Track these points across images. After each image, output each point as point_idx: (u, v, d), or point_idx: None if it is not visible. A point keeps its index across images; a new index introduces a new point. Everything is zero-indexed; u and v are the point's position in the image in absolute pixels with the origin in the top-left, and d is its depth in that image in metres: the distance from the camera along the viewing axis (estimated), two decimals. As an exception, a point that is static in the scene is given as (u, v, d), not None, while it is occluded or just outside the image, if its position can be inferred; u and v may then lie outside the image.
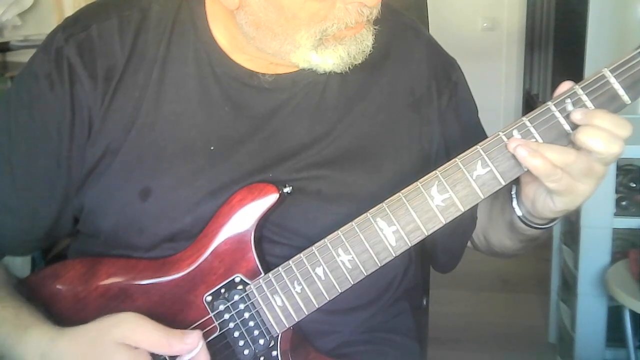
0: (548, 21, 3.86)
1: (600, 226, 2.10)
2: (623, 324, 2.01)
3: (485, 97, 3.97)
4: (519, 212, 0.87)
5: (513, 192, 0.87)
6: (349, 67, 0.84)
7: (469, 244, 1.05)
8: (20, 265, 0.98)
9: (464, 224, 0.99)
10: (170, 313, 0.85)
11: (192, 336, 0.79)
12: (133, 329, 0.79)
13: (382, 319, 0.98)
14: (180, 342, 0.79)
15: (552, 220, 0.87)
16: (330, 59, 0.82)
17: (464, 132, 0.97)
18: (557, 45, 3.69)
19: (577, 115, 0.74)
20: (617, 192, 2.14)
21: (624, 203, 2.16)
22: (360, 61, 0.84)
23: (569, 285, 2.35)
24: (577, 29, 2.64)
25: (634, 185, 2.21)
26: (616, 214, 2.11)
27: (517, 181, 0.84)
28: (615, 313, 2.10)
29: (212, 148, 0.88)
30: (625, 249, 2.13)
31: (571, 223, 2.25)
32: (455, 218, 0.80)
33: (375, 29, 0.84)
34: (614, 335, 2.14)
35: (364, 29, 0.82)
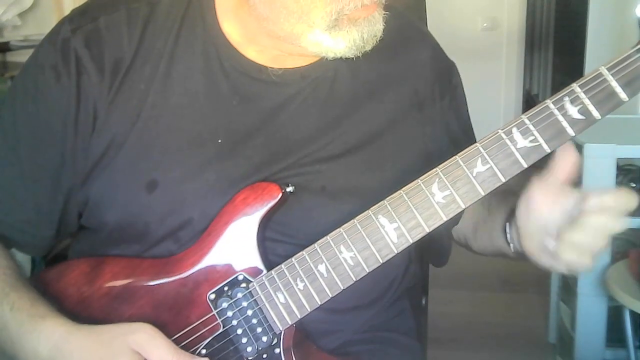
0: (548, 21, 3.86)
1: (601, 226, 2.10)
2: (623, 324, 2.01)
3: (485, 97, 4.00)
4: (512, 249, 0.88)
5: (508, 230, 0.88)
6: (360, 53, 0.83)
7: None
8: (20, 265, 0.98)
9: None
10: (174, 311, 0.86)
11: None
12: (148, 340, 0.80)
13: (384, 318, 0.99)
14: None
15: None
16: (343, 42, 0.82)
17: (464, 135, 0.98)
18: (557, 45, 3.69)
19: (593, 202, 0.75)
20: (617, 192, 2.14)
21: (624, 203, 2.15)
22: (370, 47, 0.84)
23: (569, 285, 2.35)
24: (577, 29, 2.64)
25: (634, 185, 2.21)
26: (616, 214, 2.11)
27: (512, 218, 0.86)
28: (615, 313, 2.10)
29: (219, 141, 0.88)
30: (625, 249, 2.13)
31: (571, 223, 2.24)
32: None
33: (385, 14, 0.84)
34: (614, 335, 2.14)
35: (376, 12, 0.82)
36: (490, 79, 4.07)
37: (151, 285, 0.87)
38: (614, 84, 0.74)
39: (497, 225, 0.91)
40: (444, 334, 2.59)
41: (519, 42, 4.13)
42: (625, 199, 0.75)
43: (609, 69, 0.74)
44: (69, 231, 0.96)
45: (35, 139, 0.89)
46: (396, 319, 1.01)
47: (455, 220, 1.00)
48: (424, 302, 1.33)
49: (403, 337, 1.01)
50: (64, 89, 0.87)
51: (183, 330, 0.85)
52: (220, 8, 0.90)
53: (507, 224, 0.88)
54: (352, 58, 0.84)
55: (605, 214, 0.75)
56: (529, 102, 4.02)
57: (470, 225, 1.00)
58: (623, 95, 0.74)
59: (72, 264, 0.91)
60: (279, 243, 0.88)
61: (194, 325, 0.85)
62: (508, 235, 0.88)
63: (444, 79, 0.99)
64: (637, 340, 2.08)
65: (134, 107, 0.87)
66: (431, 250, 1.04)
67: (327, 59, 0.85)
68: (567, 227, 0.76)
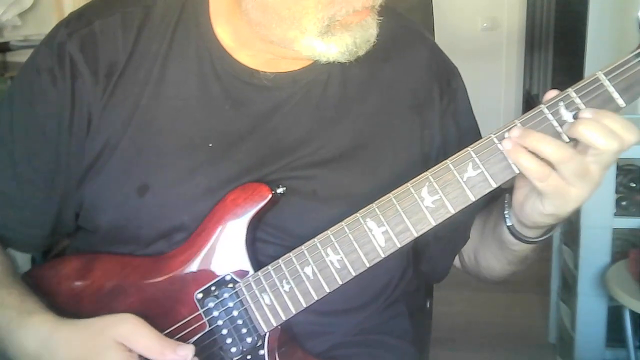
0: (548, 21, 3.86)
1: (600, 226, 2.10)
2: (623, 324, 2.01)
3: (485, 97, 4.00)
4: (508, 222, 0.85)
5: (506, 200, 0.86)
6: (353, 58, 0.83)
7: (459, 264, 1.04)
8: (21, 265, 0.99)
9: (455, 238, 0.98)
10: (162, 309, 0.86)
11: (185, 348, 0.80)
12: (132, 330, 0.80)
13: (377, 322, 0.97)
14: (172, 352, 0.80)
15: (543, 234, 0.85)
16: (336, 47, 0.81)
17: (462, 139, 0.95)
18: (557, 45, 3.70)
19: (587, 114, 0.72)
20: (617, 192, 2.14)
21: (624, 203, 2.16)
22: (364, 52, 0.83)
23: (569, 285, 2.35)
24: (577, 29, 2.64)
25: (634, 185, 2.21)
26: (616, 214, 2.11)
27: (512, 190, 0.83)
28: (615, 313, 2.11)
29: (210, 145, 0.88)
30: (625, 249, 2.13)
31: (571, 223, 2.25)
32: (446, 227, 0.79)
33: (379, 19, 0.83)
34: (614, 335, 2.14)
35: (369, 17, 0.82)
36: (490, 79, 4.06)
37: (141, 283, 0.87)
38: (611, 89, 0.72)
39: (500, 205, 0.88)
40: (444, 334, 2.58)
41: (519, 42, 4.12)
42: (622, 123, 0.71)
43: (606, 74, 0.72)
44: (66, 231, 0.97)
45: (30, 141, 0.90)
46: (391, 322, 0.99)
47: (465, 236, 0.98)
48: (428, 305, 1.31)
49: (396, 340, 1.00)
50: (59, 92, 0.88)
51: (170, 328, 0.85)
52: (214, 12, 0.90)
53: (507, 194, 0.86)
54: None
55: (595, 124, 0.71)
56: (529, 102, 4.02)
57: (478, 237, 0.97)
58: (620, 101, 0.73)
59: (65, 260, 0.92)
60: (269, 244, 0.88)
61: (181, 323, 0.86)
62: (506, 209, 0.85)
63: (443, 81, 0.98)
64: (637, 340, 2.08)
65: (128, 110, 0.88)
66: (422, 264, 1.02)
67: (320, 62, 0.85)
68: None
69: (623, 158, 2.17)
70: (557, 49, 3.70)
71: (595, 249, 2.13)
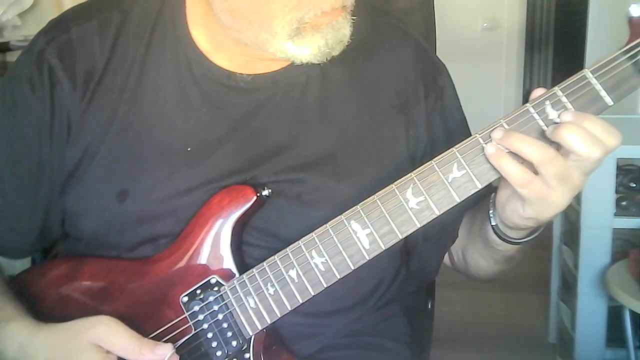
0: (548, 21, 3.86)
1: (600, 226, 2.10)
2: (623, 324, 2.01)
3: (485, 97, 3.99)
4: (493, 222, 0.84)
5: (492, 199, 0.84)
6: (326, 59, 0.82)
7: (449, 262, 1.03)
8: (20, 266, 0.99)
9: (444, 237, 0.97)
10: (148, 312, 0.86)
11: (163, 347, 0.81)
12: (108, 332, 0.80)
13: (369, 323, 0.97)
14: (150, 352, 0.80)
15: (527, 235, 0.84)
16: (307, 49, 0.81)
17: (449, 138, 0.94)
18: (557, 45, 3.70)
19: (567, 117, 0.70)
20: (617, 192, 2.13)
21: (624, 203, 2.15)
22: (338, 52, 0.82)
23: (569, 285, 2.35)
24: (577, 29, 2.64)
25: (634, 185, 2.20)
26: (616, 214, 2.10)
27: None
28: (615, 313, 2.10)
29: (189, 149, 0.88)
30: (625, 249, 2.12)
31: (571, 223, 2.25)
32: (435, 226, 0.78)
33: (353, 19, 0.83)
34: (614, 335, 2.14)
35: (341, 17, 0.81)
36: (490, 79, 4.06)
37: (127, 287, 0.87)
38: (599, 87, 0.71)
39: (487, 204, 0.87)
40: (444, 334, 2.58)
41: (519, 42, 4.11)
42: (603, 126, 0.70)
43: (593, 72, 0.71)
44: (54, 237, 0.97)
45: (13, 149, 0.90)
46: (385, 323, 0.99)
47: (453, 235, 0.98)
48: (429, 306, 1.30)
49: (390, 342, 0.99)
50: (39, 100, 0.88)
51: (156, 331, 0.85)
52: (191, 16, 0.89)
53: (494, 194, 0.84)
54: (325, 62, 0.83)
55: (578, 129, 0.69)
56: (529, 102, 4.02)
57: (467, 235, 0.97)
58: (608, 99, 0.71)
59: (54, 263, 0.93)
60: (255, 247, 0.88)
61: (167, 326, 0.86)
62: (491, 208, 0.84)
63: (428, 79, 0.96)
64: (637, 340, 2.07)
65: (106, 117, 0.88)
66: (412, 263, 1.01)
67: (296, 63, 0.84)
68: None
69: (623, 158, 2.17)
70: (557, 49, 3.71)
71: (595, 249, 2.12)
